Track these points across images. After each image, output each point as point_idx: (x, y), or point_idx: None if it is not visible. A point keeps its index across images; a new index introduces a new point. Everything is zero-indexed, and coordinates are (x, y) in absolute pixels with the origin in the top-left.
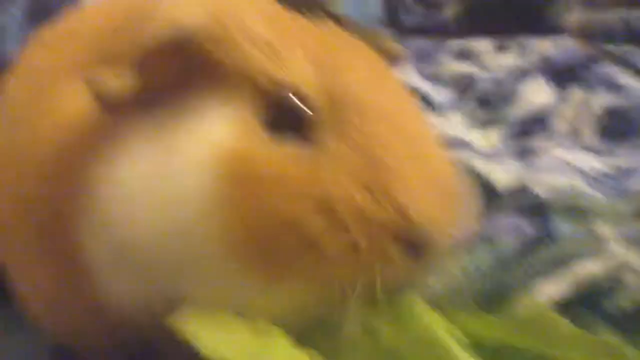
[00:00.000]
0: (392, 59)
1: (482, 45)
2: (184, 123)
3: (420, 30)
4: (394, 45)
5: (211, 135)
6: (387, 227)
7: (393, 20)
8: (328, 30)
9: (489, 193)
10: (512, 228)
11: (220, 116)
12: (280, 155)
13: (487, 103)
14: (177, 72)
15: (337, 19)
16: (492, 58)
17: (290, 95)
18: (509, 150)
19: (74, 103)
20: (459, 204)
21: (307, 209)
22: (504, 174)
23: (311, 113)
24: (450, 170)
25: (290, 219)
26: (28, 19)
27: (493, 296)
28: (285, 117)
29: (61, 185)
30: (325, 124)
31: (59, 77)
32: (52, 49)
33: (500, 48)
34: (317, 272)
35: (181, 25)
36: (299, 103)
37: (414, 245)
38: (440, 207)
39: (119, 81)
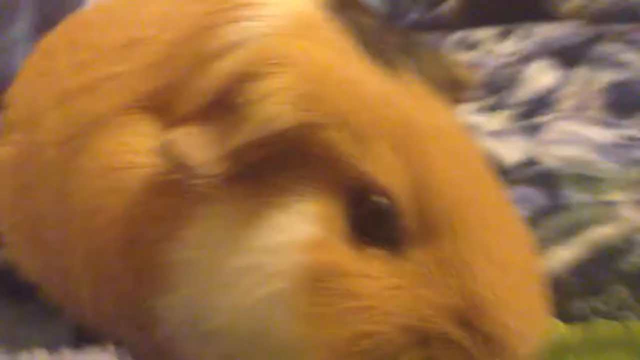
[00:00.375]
0: (465, 86)
1: (485, 34)
2: (269, 215)
3: (423, 25)
4: (466, 72)
5: (296, 235)
6: (472, 357)
7: (395, 16)
8: (414, 98)
9: (498, 170)
10: (522, 199)
11: (307, 212)
12: (365, 267)
13: (493, 88)
14: (266, 160)
15: (418, 51)
16: (496, 45)
17: (379, 196)
18: (517, 128)
19: (142, 152)
20: (543, 320)
21: (390, 330)
22: (512, 150)
23: (398, 217)
24: (540, 288)
25: (370, 337)
26: (35, 32)
27: None
28: (372, 218)
29: (139, 262)
30: (412, 230)
31: (113, 109)
32: (85, 65)
33: (503, 35)
34: None
35: (273, 122)
36: (386, 205)
37: None
38: (529, 334)
39: (207, 166)
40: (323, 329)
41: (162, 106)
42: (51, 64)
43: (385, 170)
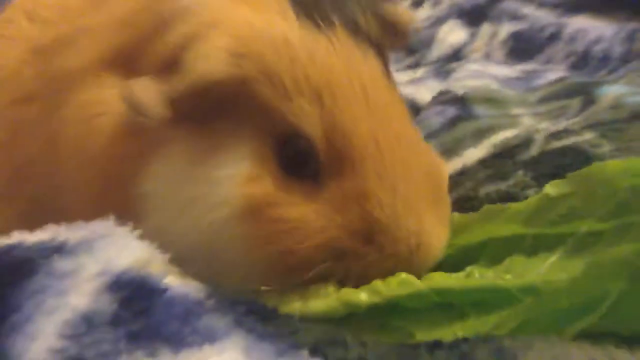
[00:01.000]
0: (404, 28)
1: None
2: (213, 153)
3: None
4: (404, 13)
5: (235, 170)
6: (374, 266)
7: None
8: (336, 54)
9: (415, 109)
10: (437, 113)
11: (244, 151)
12: (290, 198)
13: (410, 50)
14: (208, 107)
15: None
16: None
17: (300, 139)
18: (432, 74)
19: (113, 102)
20: (438, 233)
21: (309, 247)
22: (427, 91)
23: (315, 156)
24: (439, 208)
25: (294, 253)
26: None
27: None
28: (295, 157)
29: (116, 196)
30: (326, 166)
31: (88, 65)
32: (51, 22)
33: (417, 4)
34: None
35: (207, 75)
36: (305, 146)
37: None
38: (421, 245)
39: (155, 108)
40: (258, 247)
41: (128, 61)
42: (11, 29)
43: (305, 119)
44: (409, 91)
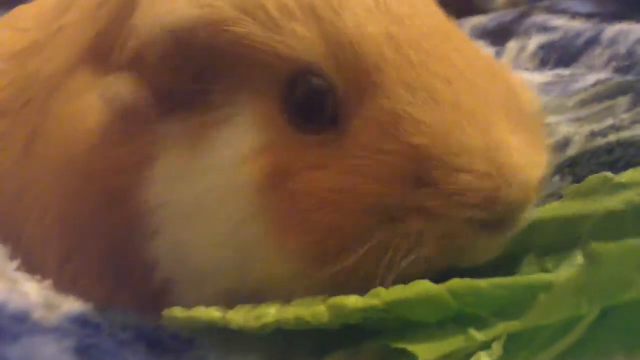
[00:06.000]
0: None
1: None
2: (212, 134)
3: None
4: None
5: (240, 146)
6: (444, 217)
7: None
8: None
9: None
10: None
11: (245, 120)
12: (313, 159)
13: None
14: (190, 75)
15: None
16: None
17: (304, 70)
18: None
19: (95, 110)
20: (532, 147)
21: (351, 220)
22: None
23: (329, 85)
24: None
25: (336, 234)
26: None
27: None
28: (308, 99)
29: (123, 213)
30: (345, 97)
31: (62, 68)
32: (28, 31)
33: None
34: (352, 268)
35: (171, 16)
36: (314, 80)
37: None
38: (501, 176)
39: (130, 92)
40: (290, 237)
41: (102, 55)
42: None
43: (303, 44)
44: None
